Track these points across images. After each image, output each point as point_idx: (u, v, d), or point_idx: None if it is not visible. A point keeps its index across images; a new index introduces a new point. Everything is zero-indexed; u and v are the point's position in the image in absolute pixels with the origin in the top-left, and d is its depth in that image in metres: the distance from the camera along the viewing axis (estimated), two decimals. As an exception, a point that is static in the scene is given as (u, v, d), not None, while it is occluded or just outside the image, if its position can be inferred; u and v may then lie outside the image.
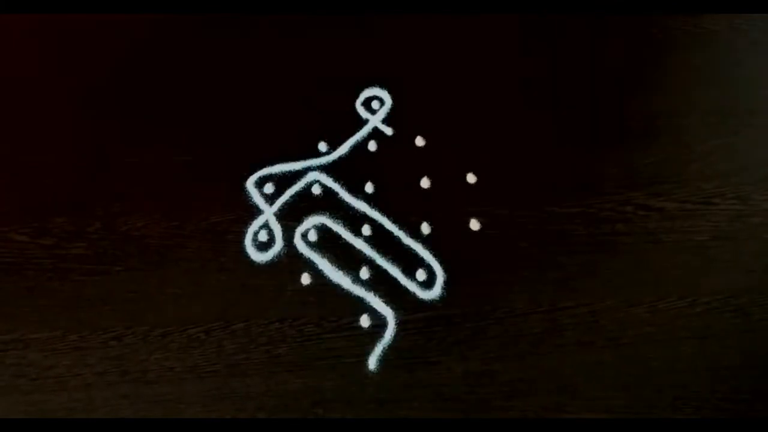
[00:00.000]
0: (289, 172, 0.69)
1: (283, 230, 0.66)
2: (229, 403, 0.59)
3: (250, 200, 0.67)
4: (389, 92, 0.73)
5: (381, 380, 0.60)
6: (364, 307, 0.63)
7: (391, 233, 0.66)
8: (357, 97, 0.72)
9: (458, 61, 0.75)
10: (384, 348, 0.61)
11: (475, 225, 0.66)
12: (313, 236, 0.65)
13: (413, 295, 0.63)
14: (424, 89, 0.73)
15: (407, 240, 0.65)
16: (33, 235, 0.65)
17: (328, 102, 0.72)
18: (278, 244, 0.65)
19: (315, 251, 0.65)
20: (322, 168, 0.69)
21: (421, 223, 0.66)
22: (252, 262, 0.64)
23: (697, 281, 0.65)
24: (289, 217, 0.67)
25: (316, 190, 0.68)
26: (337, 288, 0.63)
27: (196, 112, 0.72)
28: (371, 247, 0.65)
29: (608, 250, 0.66)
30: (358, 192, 0.68)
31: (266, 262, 0.64)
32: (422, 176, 0.68)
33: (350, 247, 0.65)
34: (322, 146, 0.70)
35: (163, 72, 0.74)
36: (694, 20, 0.79)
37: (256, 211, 0.67)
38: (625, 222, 0.67)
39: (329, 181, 0.68)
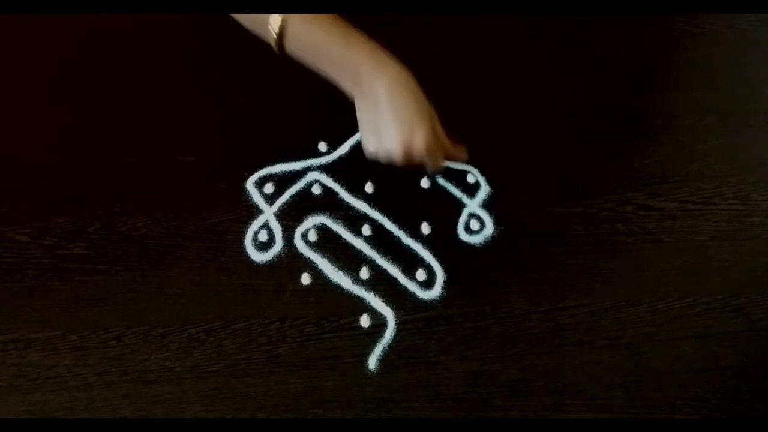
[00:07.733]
0: (289, 172, 0.69)
1: (283, 230, 0.66)
2: (229, 403, 0.59)
3: (250, 200, 0.67)
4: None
5: (381, 380, 0.60)
6: (364, 307, 0.63)
7: (391, 233, 0.66)
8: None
9: (458, 62, 0.75)
10: (384, 348, 0.61)
11: (475, 225, 0.66)
12: (313, 236, 0.65)
13: (413, 295, 0.63)
14: (423, 89, 0.73)
15: (407, 240, 0.65)
16: (33, 235, 0.65)
17: (328, 102, 0.72)
18: (278, 244, 0.65)
19: (315, 251, 0.65)
20: (322, 168, 0.69)
21: (421, 223, 0.66)
22: (252, 262, 0.64)
23: (697, 281, 0.65)
24: (289, 217, 0.67)
25: (316, 190, 0.68)
26: (337, 288, 0.63)
27: (196, 111, 0.72)
28: (371, 247, 0.65)
29: (608, 250, 0.66)
30: (358, 192, 0.68)
31: (266, 262, 0.64)
32: (422, 176, 0.68)
33: (350, 247, 0.65)
34: (322, 146, 0.70)
35: (163, 72, 0.74)
36: (694, 20, 0.79)
37: (256, 211, 0.67)
38: (625, 222, 0.67)
39: (329, 181, 0.68)
